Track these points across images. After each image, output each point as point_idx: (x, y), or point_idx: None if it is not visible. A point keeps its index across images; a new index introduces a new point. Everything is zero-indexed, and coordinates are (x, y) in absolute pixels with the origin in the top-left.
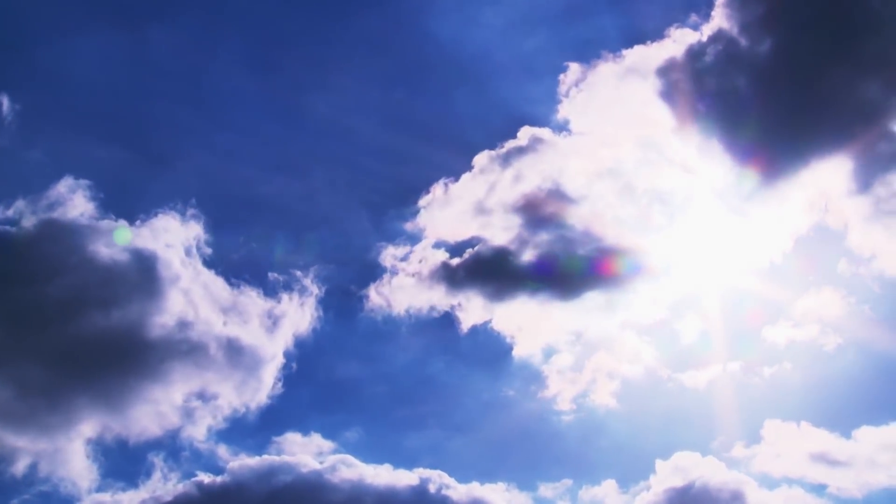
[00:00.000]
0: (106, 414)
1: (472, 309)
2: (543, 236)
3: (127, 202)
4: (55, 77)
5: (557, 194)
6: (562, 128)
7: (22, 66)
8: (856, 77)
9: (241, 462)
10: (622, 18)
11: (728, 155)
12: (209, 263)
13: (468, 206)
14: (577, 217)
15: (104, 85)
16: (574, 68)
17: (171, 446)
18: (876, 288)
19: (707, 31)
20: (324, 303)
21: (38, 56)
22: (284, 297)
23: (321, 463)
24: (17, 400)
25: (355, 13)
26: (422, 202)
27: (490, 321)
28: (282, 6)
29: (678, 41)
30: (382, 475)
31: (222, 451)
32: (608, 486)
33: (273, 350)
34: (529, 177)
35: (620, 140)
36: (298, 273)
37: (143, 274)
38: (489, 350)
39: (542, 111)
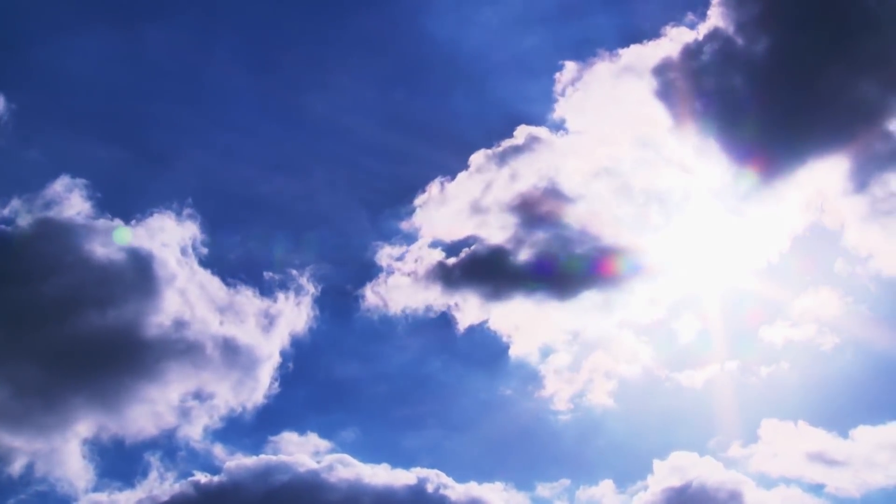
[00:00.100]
0: (102, 413)
1: (469, 309)
2: (540, 236)
3: (123, 201)
4: (52, 76)
5: (554, 193)
6: (558, 127)
7: (18, 65)
8: (852, 76)
9: (238, 462)
10: (618, 17)
11: (725, 154)
12: (205, 263)
13: (464, 206)
14: (574, 216)
15: (101, 84)
16: (570, 67)
17: (167, 446)
18: (873, 287)
19: (703, 29)
20: (320, 302)
21: (34, 55)
22: (280, 296)
23: (318, 462)
24: (13, 400)
25: (351, 13)
26: (418, 201)
27: (487, 321)
28: (277, 5)
29: (674, 40)
30: (380, 475)
31: (219, 450)
32: (605, 487)
33: (269, 349)
34: (526, 176)
35: (617, 139)
36: (294, 272)
37: (140, 273)
38: (486, 350)
39: (538, 110)
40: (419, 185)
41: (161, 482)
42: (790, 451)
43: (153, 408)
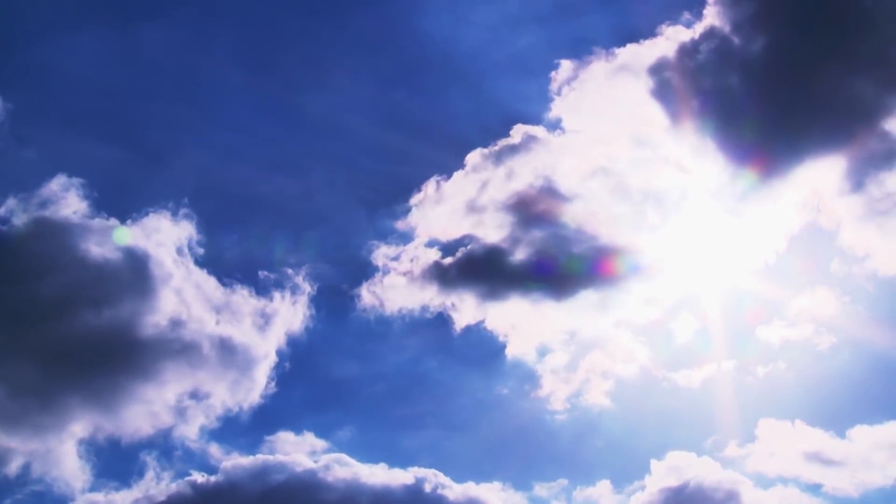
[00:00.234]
0: (98, 413)
1: (465, 308)
2: (537, 235)
3: (120, 201)
4: (48, 75)
5: (550, 193)
6: (555, 126)
7: (14, 64)
8: (849, 76)
9: (235, 461)
10: (614, 16)
11: (721, 154)
12: (201, 262)
13: (460, 205)
14: (571, 216)
15: (98, 83)
16: (566, 66)
17: (163, 446)
18: (869, 287)
19: (699, 28)
20: (316, 301)
21: (30, 54)
22: (276, 295)
23: (315, 462)
24: (9, 400)
25: (346, 12)
26: (414, 200)
27: (483, 321)
28: (273, 5)
29: (671, 39)
30: (377, 474)
31: (215, 450)
32: (603, 487)
33: (266, 349)
34: (522, 175)
35: (613, 138)
36: (290, 272)
37: (136, 273)
38: (483, 349)
39: (534, 109)
40: (415, 185)
41: (157, 482)
42: (787, 450)
43: (149, 407)
